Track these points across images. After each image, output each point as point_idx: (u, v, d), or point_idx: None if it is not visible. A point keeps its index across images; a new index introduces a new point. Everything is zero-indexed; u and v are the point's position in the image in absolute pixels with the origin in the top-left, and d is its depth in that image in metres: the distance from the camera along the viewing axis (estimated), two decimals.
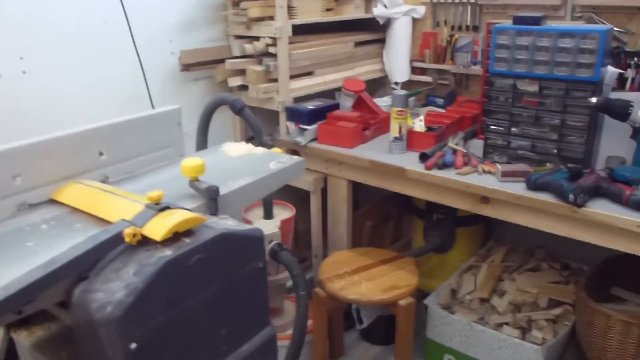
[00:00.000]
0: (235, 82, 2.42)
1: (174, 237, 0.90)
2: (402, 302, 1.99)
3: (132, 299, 0.82)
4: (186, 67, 2.37)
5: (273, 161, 1.29)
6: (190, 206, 1.04)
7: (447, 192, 2.01)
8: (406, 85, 2.80)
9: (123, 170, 1.22)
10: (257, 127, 1.72)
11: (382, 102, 2.61)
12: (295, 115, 2.35)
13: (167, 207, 0.94)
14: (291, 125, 2.39)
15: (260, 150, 1.37)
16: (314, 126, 2.30)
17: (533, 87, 1.90)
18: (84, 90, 2.16)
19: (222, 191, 1.08)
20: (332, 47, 2.60)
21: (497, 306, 2.21)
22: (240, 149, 1.36)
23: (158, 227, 0.89)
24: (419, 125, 2.24)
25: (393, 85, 2.81)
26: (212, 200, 1.06)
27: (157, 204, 0.94)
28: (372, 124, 2.34)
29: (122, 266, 0.87)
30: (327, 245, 2.49)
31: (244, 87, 2.44)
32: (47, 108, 2.07)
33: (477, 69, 2.58)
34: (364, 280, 2.09)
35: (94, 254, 0.85)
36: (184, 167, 1.06)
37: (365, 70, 2.81)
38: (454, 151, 2.10)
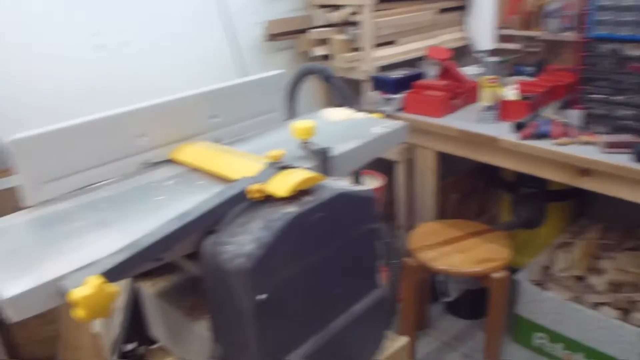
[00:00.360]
0: (318, 51, 2.43)
1: (296, 195, 0.92)
2: (495, 275, 1.96)
3: (262, 251, 0.85)
4: (272, 37, 2.40)
5: (376, 126, 1.29)
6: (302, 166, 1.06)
7: (542, 164, 1.95)
8: (491, 53, 2.72)
9: (234, 132, 1.25)
10: (347, 95, 1.72)
11: (466, 72, 2.55)
12: (381, 84, 2.34)
13: (287, 166, 0.96)
14: (376, 95, 2.38)
15: (361, 115, 1.37)
16: (401, 95, 2.29)
17: None
18: (177, 60, 2.23)
19: (332, 153, 1.09)
20: (415, 15, 2.56)
21: (595, 285, 2.13)
22: (340, 114, 1.37)
23: (281, 185, 0.92)
24: (511, 93, 2.17)
25: (477, 54, 2.74)
26: (323, 161, 1.08)
27: (278, 162, 0.96)
28: (459, 93, 2.30)
29: (248, 221, 0.90)
30: (412, 217, 2.48)
31: (326, 57, 2.45)
32: (145, 77, 2.16)
33: (569, 35, 2.46)
34: (455, 251, 2.08)
35: (223, 209, 0.89)
36: (296, 128, 1.08)
37: (448, 38, 2.75)
38: (551, 121, 2.02)
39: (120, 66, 2.07)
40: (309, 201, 0.92)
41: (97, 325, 1.77)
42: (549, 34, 2.51)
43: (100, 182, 1.06)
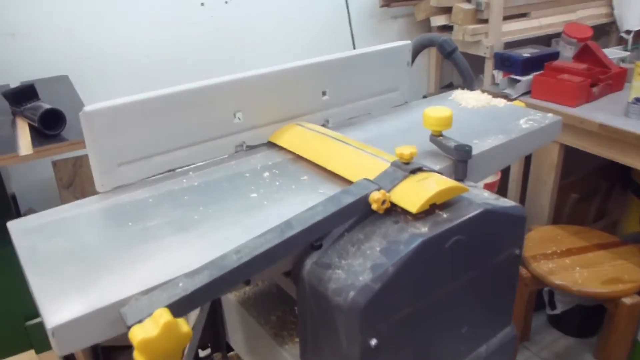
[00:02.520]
0: (438, 21, 2.15)
1: (429, 209, 0.70)
2: (627, 300, 1.65)
3: (380, 284, 0.64)
4: (386, 3, 2.14)
5: (522, 118, 1.03)
6: (434, 167, 0.83)
7: None
8: None
9: (345, 114, 1.04)
10: (469, 74, 1.46)
11: (608, 54, 2.18)
12: (506, 63, 2.04)
13: (419, 169, 0.74)
14: (499, 75, 2.09)
15: (502, 102, 1.11)
16: (529, 77, 1.99)
17: None
18: (280, 24, 2.04)
19: (473, 151, 0.85)
20: None
21: None
22: (477, 100, 1.11)
23: (412, 195, 0.69)
24: None
25: (623, 34, 2.35)
26: (462, 162, 0.84)
27: (408, 163, 0.74)
28: (601, 79, 1.95)
29: (364, 239, 0.69)
30: None
31: (447, 28, 2.17)
32: (245, 39, 1.99)
33: None
34: (578, 265, 1.78)
35: (334, 221, 0.68)
36: (429, 117, 0.85)
37: (588, 14, 2.38)
38: None
39: (222, 27, 1.91)
40: (445, 220, 0.70)
41: None
42: None
43: (185, 167, 0.87)
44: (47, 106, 1.09)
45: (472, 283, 0.76)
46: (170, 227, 0.71)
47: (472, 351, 0.84)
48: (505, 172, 2.18)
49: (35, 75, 1.62)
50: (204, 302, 0.60)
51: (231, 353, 1.11)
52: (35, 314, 1.39)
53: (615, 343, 1.75)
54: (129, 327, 0.54)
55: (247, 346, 0.99)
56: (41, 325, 1.36)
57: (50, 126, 1.09)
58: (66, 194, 1.82)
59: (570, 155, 2.05)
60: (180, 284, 0.58)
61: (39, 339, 1.44)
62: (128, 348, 2.01)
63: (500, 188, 2.26)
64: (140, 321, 0.54)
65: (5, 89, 1.45)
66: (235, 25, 1.93)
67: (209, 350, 1.09)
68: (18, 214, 1.54)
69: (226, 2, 1.87)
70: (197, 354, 1.07)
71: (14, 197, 1.57)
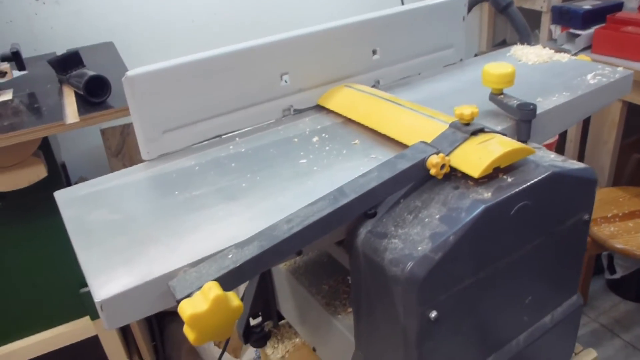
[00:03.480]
0: None
1: (492, 173, 0.65)
2: None
3: (441, 255, 0.59)
4: None
5: (589, 73, 0.95)
6: (495, 129, 0.78)
7: None
8: None
9: (396, 73, 0.98)
10: (526, 29, 1.36)
11: None
12: (565, 16, 1.92)
13: (480, 130, 0.68)
14: (557, 30, 1.97)
15: (566, 57, 1.03)
16: (590, 31, 1.86)
17: None
18: None
19: (537, 110, 0.78)
20: None
21: None
22: (538, 55, 1.03)
23: (473, 158, 0.64)
24: None
25: None
26: (525, 122, 0.78)
27: (468, 124, 0.68)
28: None
29: (421, 206, 0.65)
30: None
31: None
32: (288, 5, 1.94)
33: None
34: None
35: (389, 188, 0.64)
36: (489, 73, 0.78)
37: None
38: None
39: None
40: (509, 184, 0.64)
41: None
42: None
43: (231, 133, 0.84)
44: (91, 73, 1.07)
45: (537, 251, 0.71)
46: (217, 196, 0.68)
47: (536, 321, 0.79)
48: (563, 132, 2.07)
49: (81, 42, 1.61)
50: (254, 274, 0.57)
51: (282, 322, 1.10)
52: None
53: None
54: (178, 301, 0.52)
55: (298, 316, 0.97)
56: None
57: (96, 93, 1.08)
58: (115, 161, 1.83)
59: (633, 113, 1.94)
60: (230, 256, 0.56)
61: (93, 305, 1.46)
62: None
63: (557, 149, 2.16)
64: (189, 295, 0.52)
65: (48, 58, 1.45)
66: None
67: (259, 319, 1.08)
68: (68, 183, 1.55)
69: None
70: (248, 322, 1.06)
71: (64, 166, 1.58)
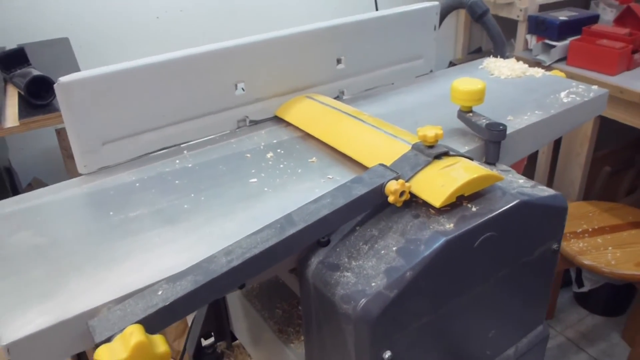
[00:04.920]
0: None
1: (456, 201, 0.60)
2: None
3: (396, 292, 0.54)
4: None
5: (563, 91, 0.91)
6: (461, 149, 0.73)
7: None
8: None
9: (361, 84, 0.92)
10: (501, 39, 1.33)
11: None
12: (541, 27, 1.89)
13: (445, 153, 0.63)
14: (532, 40, 1.94)
15: (539, 72, 0.99)
16: (565, 42, 1.84)
17: None
18: None
19: (507, 130, 0.74)
20: None
21: None
22: (511, 69, 0.99)
23: (435, 185, 0.59)
24: None
25: None
26: (494, 143, 0.73)
27: (432, 147, 0.63)
28: None
29: (378, 235, 0.59)
30: None
31: None
32: (260, 1, 1.88)
33: None
34: (610, 245, 1.67)
35: (343, 215, 0.58)
36: (457, 90, 0.73)
37: None
38: None
39: None
40: (475, 214, 0.59)
41: None
42: None
43: (179, 144, 0.78)
44: (35, 73, 0.99)
45: (502, 283, 0.67)
46: (155, 219, 0.62)
47: (499, 354, 0.74)
48: None
49: (36, 37, 1.52)
50: (186, 313, 0.51)
51: (236, 342, 1.04)
52: None
53: None
54: (96, 345, 0.46)
55: (251, 338, 0.92)
56: None
57: (39, 95, 1.00)
58: (71, 163, 1.74)
59: (605, 127, 1.92)
60: (160, 292, 0.50)
61: None
62: None
63: (529, 161, 2.14)
64: (109, 339, 0.46)
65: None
66: None
67: (212, 339, 1.02)
68: (14, 188, 1.46)
69: None
70: (199, 342, 1.00)
71: (9, 170, 1.49)
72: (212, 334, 1.01)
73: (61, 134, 1.70)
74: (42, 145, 1.76)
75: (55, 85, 0.65)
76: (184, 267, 0.52)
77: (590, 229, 1.75)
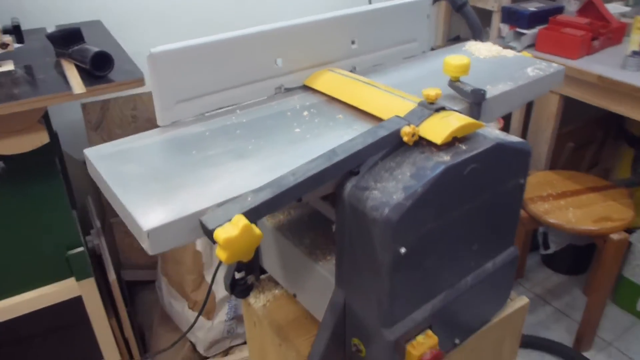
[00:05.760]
0: None
1: (451, 142, 0.82)
2: (614, 236, 1.81)
3: (410, 202, 0.76)
4: None
5: (529, 67, 1.14)
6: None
7: None
8: None
9: (370, 61, 1.14)
10: (479, 27, 1.55)
11: (610, 9, 2.26)
12: (513, 17, 2.12)
13: (442, 108, 0.85)
14: (505, 28, 2.17)
15: (511, 53, 1.22)
16: (534, 31, 2.07)
17: None
18: None
19: (486, 95, 0.97)
20: None
21: None
22: (489, 50, 1.22)
23: (437, 129, 0.81)
24: None
25: None
26: (477, 104, 0.96)
27: (433, 103, 0.86)
28: (602, 33, 2.05)
29: (395, 166, 0.81)
30: None
31: None
32: None
33: None
34: (571, 206, 1.92)
35: (371, 150, 0.80)
36: (449, 64, 0.96)
37: None
38: None
39: None
40: (464, 150, 0.82)
41: (199, 244, 1.79)
42: None
43: (233, 105, 0.99)
44: (96, 49, 1.18)
45: (483, 206, 0.89)
46: (229, 155, 0.83)
47: (481, 266, 0.97)
48: (507, 121, 2.29)
49: (67, 20, 1.70)
50: (267, 213, 0.72)
51: (263, 276, 1.25)
52: (77, 244, 1.53)
53: (602, 277, 1.91)
54: (211, 231, 0.67)
55: (281, 267, 1.13)
56: (82, 254, 1.49)
57: (100, 68, 1.19)
58: (94, 135, 1.93)
59: (569, 106, 2.16)
60: (249, 198, 0.71)
61: (79, 267, 1.57)
62: (151, 282, 2.16)
63: None
64: (220, 225, 0.67)
65: (39, 32, 1.54)
66: None
67: (243, 273, 1.22)
68: (60, 151, 1.65)
69: None
70: (233, 276, 1.21)
71: (56, 135, 1.67)
72: (244, 269, 1.22)
73: (87, 108, 1.89)
74: (65, 118, 1.94)
75: (147, 56, 0.86)
76: (258, 185, 0.73)
77: (554, 193, 2.00)
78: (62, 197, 1.40)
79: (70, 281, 1.58)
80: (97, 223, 1.86)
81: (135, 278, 2.24)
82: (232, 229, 0.65)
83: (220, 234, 0.65)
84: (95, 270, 1.63)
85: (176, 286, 1.89)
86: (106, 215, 2.06)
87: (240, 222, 0.66)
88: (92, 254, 1.77)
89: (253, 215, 0.69)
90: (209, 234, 0.68)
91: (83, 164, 2.01)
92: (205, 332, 1.87)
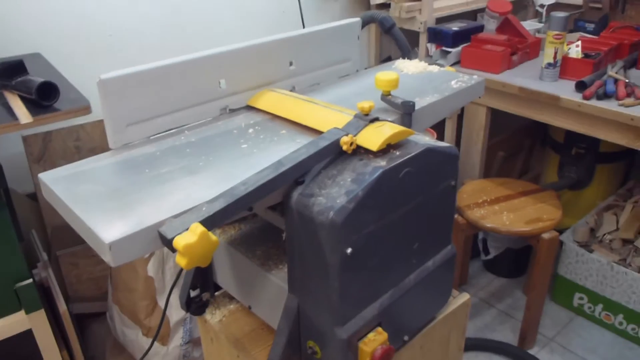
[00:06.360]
0: None
1: (386, 149, 0.90)
2: (546, 235, 1.94)
3: (353, 205, 0.83)
4: None
5: (453, 80, 1.24)
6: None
7: (603, 125, 1.89)
8: (552, 8, 2.61)
9: (308, 81, 1.22)
10: (406, 47, 1.67)
11: (526, 26, 2.45)
12: (438, 36, 2.27)
13: (376, 119, 0.93)
14: (432, 47, 2.31)
15: (436, 68, 1.33)
16: (458, 49, 2.22)
17: None
18: (237, 2, 2.18)
19: (415, 107, 1.06)
20: None
21: None
22: (416, 67, 1.32)
23: (372, 138, 0.89)
24: (574, 51, 2.09)
25: (538, 8, 2.63)
26: (407, 115, 1.05)
27: (367, 115, 0.94)
28: (520, 48, 2.22)
29: (337, 174, 0.88)
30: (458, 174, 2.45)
31: (385, 6, 2.37)
32: (200, 17, 2.13)
33: None
34: (505, 210, 2.05)
35: (314, 160, 0.87)
36: (380, 79, 1.04)
37: None
38: (615, 81, 1.95)
39: (181, 5, 2.04)
40: (397, 156, 0.90)
41: (151, 269, 1.80)
42: None
43: (181, 126, 1.04)
44: (41, 79, 1.21)
45: (420, 206, 0.97)
46: (181, 172, 0.88)
47: (422, 264, 1.05)
48: (440, 133, 2.42)
49: (6, 53, 1.70)
50: (222, 222, 0.77)
51: (218, 292, 1.29)
52: (25, 276, 1.52)
53: (539, 276, 2.04)
54: (170, 240, 0.72)
55: (235, 281, 1.17)
56: (30, 286, 1.48)
57: (45, 98, 1.22)
58: (36, 167, 1.92)
59: (496, 117, 2.32)
60: (204, 208, 0.76)
61: (28, 300, 1.56)
62: (101, 314, 2.14)
63: None
64: (179, 234, 0.72)
65: None
66: (193, 4, 2.07)
67: (198, 291, 1.26)
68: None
69: None
70: (188, 294, 1.24)
71: (1, 168, 1.66)
72: (198, 286, 1.25)
73: (28, 140, 1.88)
74: (5, 152, 1.92)
75: (97, 82, 0.90)
76: (211, 197, 0.79)
77: (488, 200, 2.13)
78: (9, 230, 1.40)
79: (20, 314, 1.56)
80: (44, 256, 1.84)
81: (84, 310, 2.21)
82: (190, 236, 0.70)
83: (180, 241, 0.70)
84: (43, 303, 1.61)
85: (129, 314, 1.89)
86: (52, 248, 2.03)
87: (197, 229, 0.71)
88: (40, 287, 1.75)
89: (209, 223, 0.74)
90: (168, 243, 0.73)
91: (26, 197, 2.00)
92: (160, 358, 1.87)
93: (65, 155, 1.94)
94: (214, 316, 1.23)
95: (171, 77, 0.99)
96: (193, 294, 1.26)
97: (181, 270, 1.18)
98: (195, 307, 1.26)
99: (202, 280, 1.26)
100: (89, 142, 1.95)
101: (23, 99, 1.27)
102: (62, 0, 1.83)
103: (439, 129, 2.40)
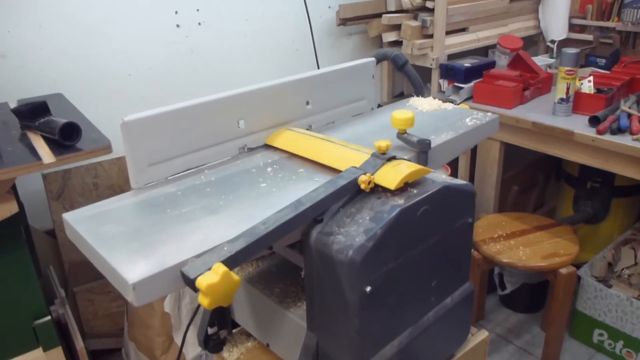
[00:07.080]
0: (389, 37, 2.39)
1: (403, 187, 0.91)
2: (563, 271, 1.92)
3: (372, 243, 0.84)
4: (343, 22, 2.37)
5: (467, 117, 1.26)
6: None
7: (618, 159, 1.89)
8: (563, 43, 2.64)
9: (324, 119, 1.24)
10: (419, 83, 1.69)
11: (537, 62, 2.48)
12: (450, 72, 2.30)
13: (393, 157, 0.95)
14: (444, 83, 2.34)
15: (450, 106, 1.35)
16: (470, 84, 2.24)
17: None
18: (248, 43, 2.24)
19: (431, 144, 1.07)
20: (487, 2, 2.49)
21: None
22: (430, 104, 1.34)
23: (390, 176, 0.90)
24: (587, 86, 2.10)
25: (549, 44, 2.66)
26: (423, 153, 1.06)
27: (384, 153, 0.95)
28: (532, 84, 2.24)
29: (355, 212, 0.89)
30: None
31: (397, 43, 2.41)
32: (217, 57, 2.18)
33: None
34: (521, 245, 2.04)
35: (333, 198, 0.88)
36: (396, 118, 1.06)
37: (518, 26, 2.68)
38: (629, 115, 1.95)
39: (196, 46, 2.09)
40: (415, 194, 0.91)
41: (167, 305, 1.80)
42: (626, 25, 2.42)
43: (201, 166, 1.06)
44: (64, 120, 1.24)
45: (438, 243, 0.98)
46: (202, 211, 0.90)
47: (440, 302, 1.05)
48: (454, 169, 2.43)
49: (27, 94, 1.75)
50: (243, 261, 0.78)
51: (235, 330, 1.29)
52: (43, 313, 1.53)
53: (557, 311, 2.01)
54: (192, 280, 0.73)
55: (253, 318, 1.17)
56: (48, 324, 1.49)
57: (67, 138, 1.25)
58: (55, 204, 1.95)
59: (510, 152, 2.32)
60: (225, 248, 0.77)
61: (46, 337, 1.56)
62: (116, 350, 2.14)
63: None
64: (201, 274, 0.73)
65: (4, 107, 1.59)
66: (207, 44, 2.12)
67: (215, 328, 1.26)
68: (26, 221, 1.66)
69: (199, 24, 2.06)
70: (206, 331, 1.24)
71: (22, 206, 1.69)
72: (216, 323, 1.25)
73: (47, 178, 1.91)
74: (26, 190, 1.95)
75: (121, 124, 0.93)
76: (232, 236, 0.80)
77: (504, 234, 2.12)
78: (28, 267, 1.42)
79: (37, 352, 1.56)
80: (62, 292, 1.85)
81: (100, 347, 2.21)
82: (212, 276, 0.71)
83: (202, 281, 0.71)
84: (60, 340, 1.62)
85: (145, 350, 1.88)
86: (69, 284, 2.05)
87: (219, 269, 0.72)
88: (57, 323, 1.76)
89: (230, 263, 0.75)
90: (190, 283, 0.74)
91: (45, 233, 2.03)
92: None
93: (83, 192, 1.97)
94: (231, 354, 1.23)
95: (192, 118, 1.01)
96: (211, 331, 1.26)
97: (198, 306, 1.19)
98: (213, 344, 1.25)
99: (220, 318, 1.26)
100: (107, 179, 1.98)
101: (46, 139, 1.30)
102: (83, 43, 1.89)
103: (452, 164, 2.41)
